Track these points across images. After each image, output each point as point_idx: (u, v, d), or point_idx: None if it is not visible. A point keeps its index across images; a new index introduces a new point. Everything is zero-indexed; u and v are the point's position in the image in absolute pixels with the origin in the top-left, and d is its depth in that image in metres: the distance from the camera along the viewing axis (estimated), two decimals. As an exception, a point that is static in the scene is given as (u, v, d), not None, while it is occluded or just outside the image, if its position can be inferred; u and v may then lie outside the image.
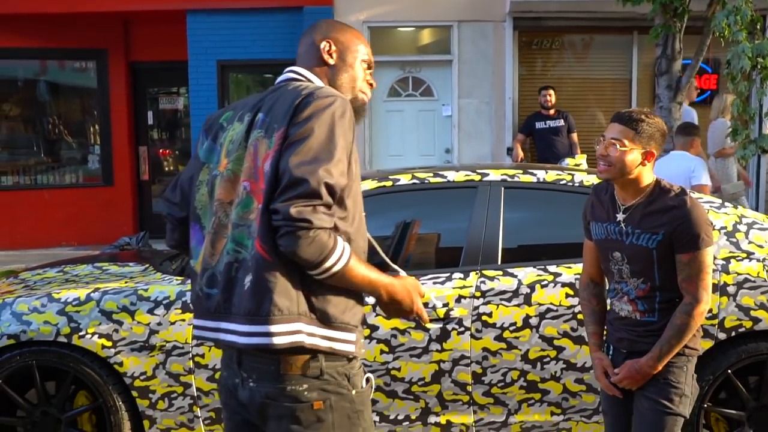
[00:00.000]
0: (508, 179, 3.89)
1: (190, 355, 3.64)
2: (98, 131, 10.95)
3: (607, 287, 2.93)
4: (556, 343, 3.62)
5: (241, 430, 2.20)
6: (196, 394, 3.66)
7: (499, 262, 3.73)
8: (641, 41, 9.29)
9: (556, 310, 3.63)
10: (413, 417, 3.68)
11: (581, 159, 4.54)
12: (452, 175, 3.92)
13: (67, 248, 10.10)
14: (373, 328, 3.62)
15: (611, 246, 2.78)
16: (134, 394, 3.67)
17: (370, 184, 3.90)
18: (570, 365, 3.63)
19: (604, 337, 2.91)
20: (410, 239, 3.94)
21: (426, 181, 3.92)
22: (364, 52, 2.29)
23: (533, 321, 3.62)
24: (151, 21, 10.52)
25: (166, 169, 11.39)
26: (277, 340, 1.97)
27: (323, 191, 1.93)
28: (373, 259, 2.20)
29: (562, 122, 8.89)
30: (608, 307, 2.90)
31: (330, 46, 2.24)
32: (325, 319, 2.04)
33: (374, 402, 3.64)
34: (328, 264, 1.96)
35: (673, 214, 2.63)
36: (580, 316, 3.61)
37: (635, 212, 2.71)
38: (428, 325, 3.60)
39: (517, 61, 9.83)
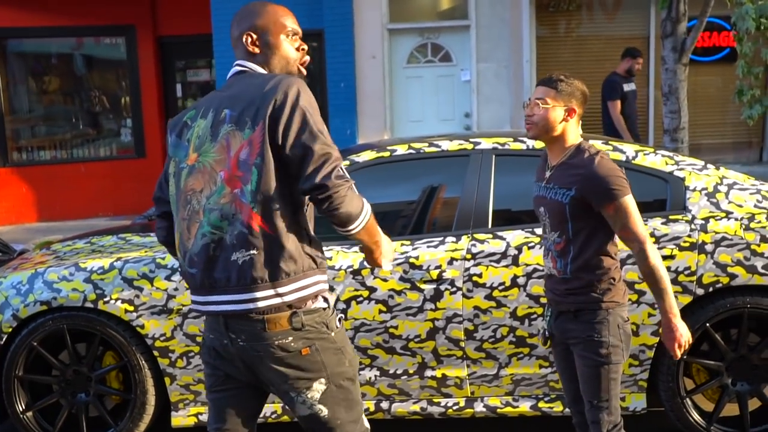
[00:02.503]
0: (499, 147, 4.11)
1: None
2: (129, 105, 11.33)
3: None
4: (542, 300, 3.86)
5: (224, 383, 2.52)
6: (211, 353, 3.98)
7: (490, 226, 3.96)
8: (658, -1, 9.33)
9: (542, 270, 3.85)
10: (411, 371, 3.96)
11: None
12: (446, 145, 4.15)
13: (103, 219, 10.55)
14: (372, 289, 3.89)
15: (539, 202, 3.04)
16: (155, 353, 4.01)
17: (369, 155, 4.14)
18: (556, 321, 3.87)
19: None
20: (436, 203, 4.20)
21: (421, 151, 4.15)
22: (284, 24, 2.45)
23: (521, 280, 3.87)
24: (174, -3, 10.81)
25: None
26: (290, 298, 2.33)
27: (339, 154, 2.30)
28: None
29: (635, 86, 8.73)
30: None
31: (250, 37, 2.43)
32: (319, 265, 2.42)
33: (374, 358, 3.94)
34: (359, 221, 2.32)
35: (582, 172, 2.84)
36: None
37: (557, 170, 2.95)
38: (422, 286, 3.87)
39: (535, 24, 9.92)
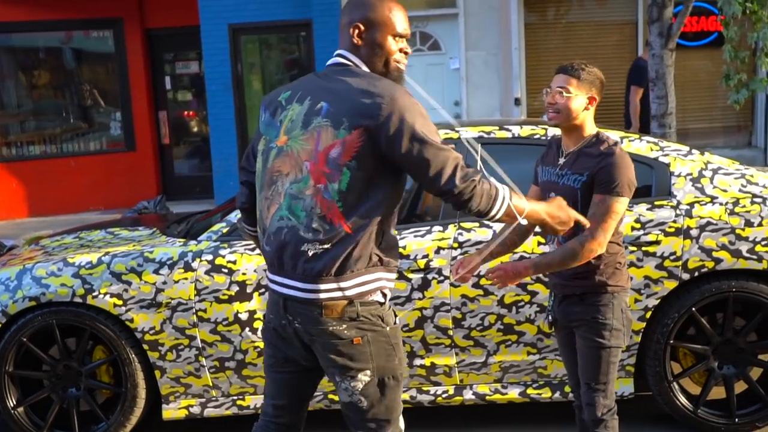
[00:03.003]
0: (485, 136, 4.12)
1: (194, 311, 3.97)
2: (119, 99, 11.30)
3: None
4: (529, 288, 3.88)
5: (283, 365, 2.62)
6: (200, 346, 4.00)
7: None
8: (646, -16, 9.33)
9: (530, 257, 3.88)
10: (400, 360, 3.98)
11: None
12: (441, 132, 4.15)
13: (94, 213, 10.53)
14: (360, 280, 3.90)
15: (549, 187, 3.04)
16: (145, 347, 4.02)
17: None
18: (543, 308, 3.89)
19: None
20: (422, 192, 4.20)
21: (407, 141, 4.15)
22: (395, 25, 2.46)
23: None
24: (162, -11, 10.77)
25: (194, 130, 11.71)
26: (351, 292, 2.40)
27: (453, 152, 2.34)
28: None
29: None
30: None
31: (358, 29, 2.44)
32: (388, 265, 2.47)
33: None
34: (497, 206, 2.36)
35: (600, 159, 2.88)
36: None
37: (572, 156, 2.99)
38: (410, 275, 3.88)
39: (523, 11, 9.91)
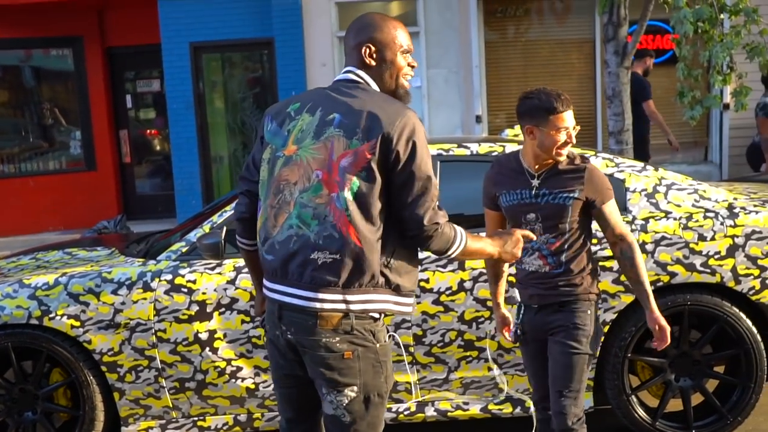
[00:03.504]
0: (444, 153, 4.15)
1: (153, 331, 3.93)
2: (79, 117, 11.19)
3: None
4: (489, 304, 3.91)
5: (285, 381, 2.65)
6: (160, 367, 3.96)
7: (436, 232, 4.00)
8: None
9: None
10: (361, 378, 3.98)
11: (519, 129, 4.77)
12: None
13: (53, 233, 10.39)
14: (320, 298, 3.90)
15: (525, 209, 3.10)
16: (103, 369, 3.96)
17: (315, 164, 4.16)
18: (503, 324, 3.92)
19: (519, 300, 3.26)
20: None
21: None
22: (402, 43, 2.56)
23: (467, 284, 3.91)
24: (124, 6, 10.72)
25: (156, 148, 11.62)
26: (357, 307, 2.44)
27: (436, 193, 2.46)
28: None
29: None
30: (516, 269, 3.23)
31: (369, 49, 2.53)
32: (397, 289, 2.51)
33: (325, 366, 3.95)
34: (452, 250, 2.52)
35: (585, 176, 3.05)
36: (510, 279, 3.89)
37: (547, 177, 3.08)
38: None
39: (483, 29, 10.03)
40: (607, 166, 4.12)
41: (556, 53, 10.26)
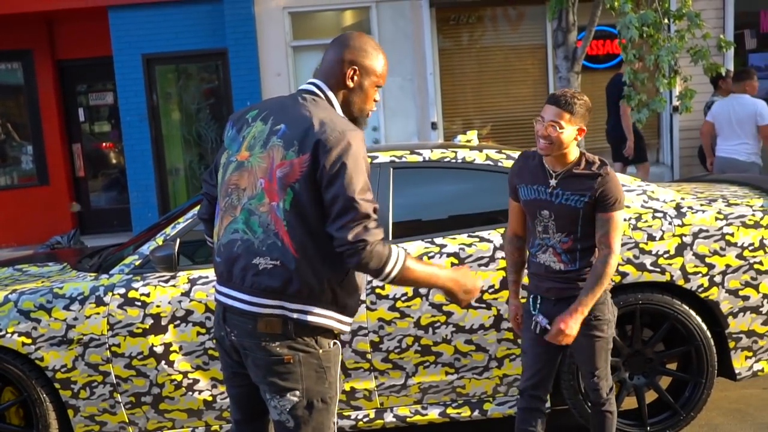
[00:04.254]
0: (396, 160, 4.18)
1: (107, 346, 3.88)
2: (30, 132, 11.01)
3: (528, 243, 3.43)
4: (444, 308, 3.94)
5: (232, 380, 2.69)
6: (115, 382, 3.91)
7: (390, 238, 4.02)
8: (553, 9, 9.64)
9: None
10: (319, 386, 3.98)
11: (472, 135, 4.82)
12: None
13: (5, 250, 10.19)
14: (276, 307, 3.90)
15: (540, 205, 3.26)
16: (57, 386, 3.90)
17: (268, 174, 4.16)
18: (459, 328, 3.95)
19: (530, 291, 3.40)
20: None
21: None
22: (380, 75, 2.61)
23: (423, 290, 3.93)
24: (74, 19, 10.59)
25: (111, 161, 11.46)
26: (294, 316, 2.43)
27: (371, 212, 2.38)
28: None
29: None
30: (528, 262, 3.40)
31: (354, 72, 2.55)
32: (344, 308, 2.53)
33: (282, 375, 3.94)
34: (387, 269, 2.40)
35: (598, 181, 3.16)
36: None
37: (565, 178, 3.22)
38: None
39: (437, 37, 10.11)
40: (558, 170, 4.17)
41: (510, 59, 10.39)
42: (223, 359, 2.69)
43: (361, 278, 2.64)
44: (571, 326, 3.13)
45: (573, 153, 3.22)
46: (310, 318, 2.45)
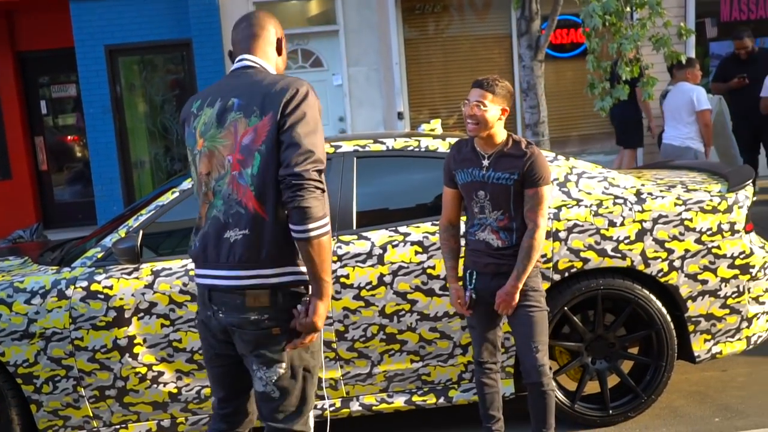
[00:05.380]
0: (360, 149, 4.18)
1: (70, 339, 3.85)
2: (-10, 125, 10.84)
3: (462, 228, 3.64)
4: (409, 297, 3.96)
5: (215, 360, 2.77)
6: (78, 375, 3.88)
7: (354, 227, 4.03)
8: None
9: (408, 267, 3.96)
10: (285, 376, 3.98)
11: (436, 124, 4.84)
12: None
13: (-32, 245, 10.03)
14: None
15: (476, 187, 3.49)
16: (19, 381, 3.86)
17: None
18: (424, 316, 3.98)
19: (466, 267, 3.59)
20: None
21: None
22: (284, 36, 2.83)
23: (387, 279, 3.95)
24: (34, 10, 10.42)
25: (76, 155, 11.31)
26: (272, 281, 2.52)
27: (322, 159, 2.48)
28: None
29: None
30: (467, 240, 3.59)
31: (282, 40, 2.78)
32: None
33: (247, 366, 3.94)
34: (316, 224, 2.43)
35: (524, 159, 3.40)
36: (429, 271, 3.96)
37: (495, 158, 3.46)
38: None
39: (402, 26, 10.11)
40: (520, 158, 4.21)
41: (476, 49, 10.41)
42: (205, 341, 2.75)
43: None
44: (511, 294, 3.41)
45: (500, 135, 3.47)
46: (286, 279, 2.54)
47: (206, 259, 2.61)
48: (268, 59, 2.74)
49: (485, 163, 3.46)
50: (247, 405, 2.85)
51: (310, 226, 2.43)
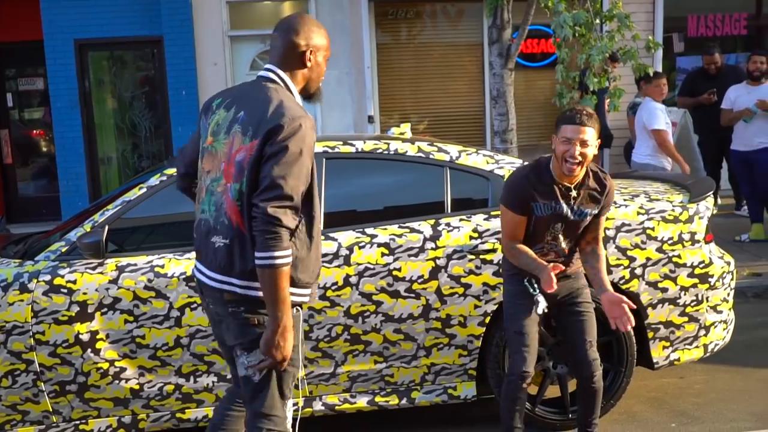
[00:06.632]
0: (329, 150, 4.20)
1: (31, 333, 3.82)
2: (-46, 116, 10.67)
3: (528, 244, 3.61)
4: (374, 298, 3.99)
5: (220, 344, 3.00)
6: (39, 370, 3.84)
7: (321, 228, 4.04)
8: (490, 8, 9.76)
9: (374, 269, 3.99)
10: (248, 375, 3.98)
11: (405, 128, 4.88)
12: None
13: (-73, 238, 9.85)
14: (206, 295, 3.89)
15: (554, 220, 3.49)
16: (-23, 374, 3.83)
17: (200, 162, 4.14)
18: (388, 317, 4.01)
19: (523, 276, 3.59)
20: None
21: (252, 156, 4.18)
22: (328, 48, 2.84)
23: (353, 279, 3.97)
24: (3, 1, 10.27)
25: (42, 149, 11.16)
26: (240, 291, 2.67)
27: (294, 197, 2.55)
28: None
29: None
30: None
31: (310, 52, 2.76)
32: (292, 281, 2.66)
33: (211, 364, 3.93)
34: (266, 254, 2.52)
35: (605, 193, 3.51)
36: (395, 273, 3.98)
37: (582, 196, 3.49)
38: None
39: (375, 31, 10.15)
40: (488, 163, 4.26)
41: (447, 56, 10.49)
42: (211, 323, 2.99)
43: (314, 254, 2.77)
44: (615, 297, 3.43)
45: (584, 168, 3.47)
46: (253, 293, 2.65)
47: (200, 255, 2.82)
48: (291, 73, 2.76)
49: (572, 201, 3.48)
50: None
51: (262, 254, 2.54)
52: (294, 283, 2.69)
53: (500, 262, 4.03)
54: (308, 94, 2.85)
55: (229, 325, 2.75)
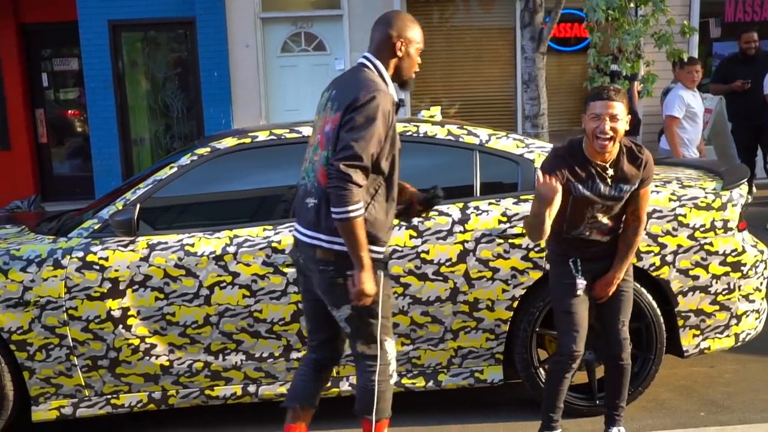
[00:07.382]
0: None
1: (64, 308, 3.88)
2: (-9, 96, 10.84)
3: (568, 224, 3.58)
4: (402, 280, 3.99)
5: (305, 295, 3.32)
6: (71, 344, 3.91)
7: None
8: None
9: (402, 251, 3.99)
10: (276, 354, 4.02)
11: (436, 110, 4.86)
12: (306, 131, 4.21)
13: (-35, 214, 10.05)
14: (235, 275, 3.92)
15: (594, 200, 3.48)
16: (12, 347, 3.89)
17: (230, 142, 4.17)
18: (416, 300, 4.01)
19: (568, 256, 3.61)
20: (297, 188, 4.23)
21: (283, 137, 4.20)
22: (420, 41, 3.18)
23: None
24: (38, -18, 10.40)
25: (77, 129, 11.31)
26: (326, 246, 3.02)
27: (364, 158, 2.90)
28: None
29: None
30: (567, 235, 3.57)
31: (401, 43, 3.12)
32: (369, 238, 2.98)
33: (240, 342, 3.98)
34: (340, 209, 2.88)
35: (641, 165, 3.48)
36: (423, 255, 3.98)
37: (619, 173, 3.47)
38: (285, 270, 3.93)
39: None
40: (518, 147, 4.24)
41: (479, 39, 10.42)
42: (298, 277, 3.33)
43: (390, 216, 3.12)
44: (613, 284, 3.57)
45: (616, 144, 3.45)
46: (336, 247, 2.99)
47: (296, 214, 3.22)
48: (383, 60, 3.12)
49: (609, 179, 3.47)
50: (334, 342, 3.32)
51: (337, 209, 2.90)
52: (374, 241, 3.02)
53: (528, 245, 4.02)
54: (401, 81, 3.18)
55: (317, 281, 3.11)
